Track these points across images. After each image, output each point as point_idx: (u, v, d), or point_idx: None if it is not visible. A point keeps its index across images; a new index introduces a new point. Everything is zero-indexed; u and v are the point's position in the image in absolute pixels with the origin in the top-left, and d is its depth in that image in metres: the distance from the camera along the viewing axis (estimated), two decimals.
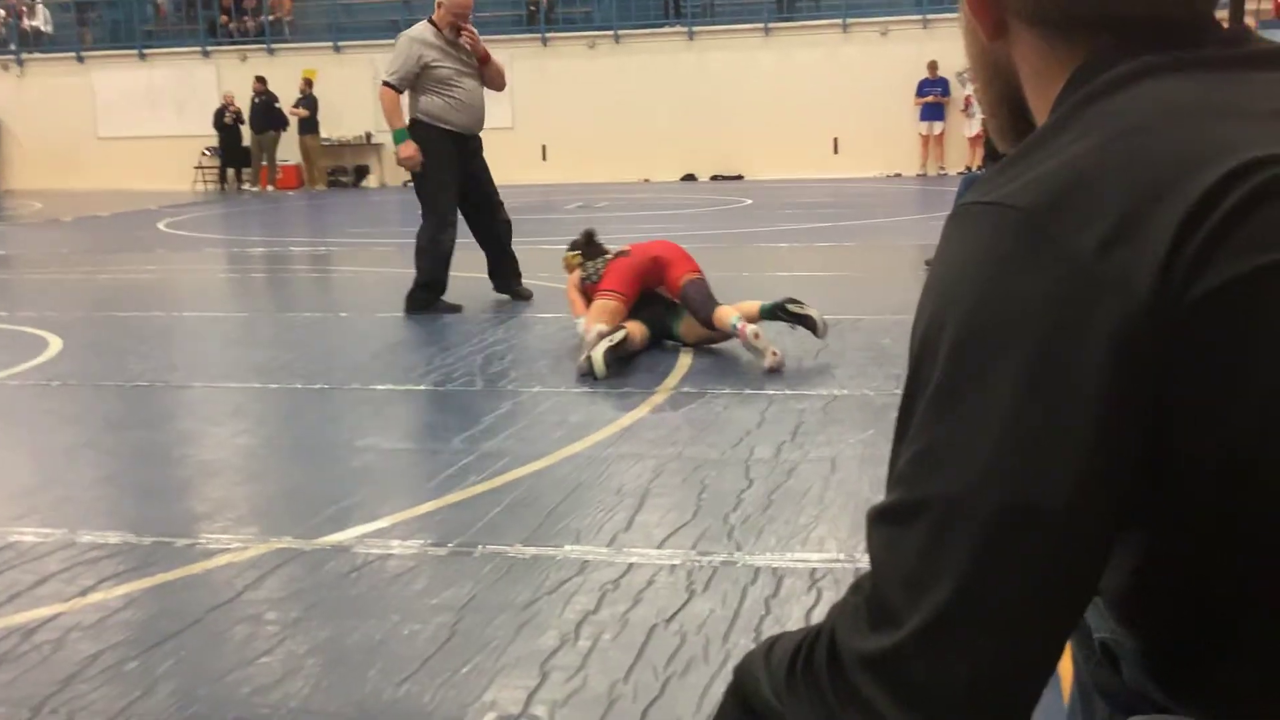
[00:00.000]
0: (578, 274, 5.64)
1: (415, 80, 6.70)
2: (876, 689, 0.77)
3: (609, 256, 5.56)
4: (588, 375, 4.87)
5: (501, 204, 7.09)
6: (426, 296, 6.77)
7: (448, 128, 6.73)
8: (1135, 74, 0.82)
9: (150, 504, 3.49)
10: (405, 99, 6.78)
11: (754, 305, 5.23)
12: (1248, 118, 0.78)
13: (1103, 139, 0.78)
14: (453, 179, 6.77)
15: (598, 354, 4.87)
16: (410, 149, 6.69)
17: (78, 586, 2.86)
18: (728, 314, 5.11)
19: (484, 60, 6.86)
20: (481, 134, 6.96)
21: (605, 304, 5.25)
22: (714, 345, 5.39)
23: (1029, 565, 0.74)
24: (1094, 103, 0.81)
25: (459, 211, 6.88)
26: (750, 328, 4.98)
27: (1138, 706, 0.89)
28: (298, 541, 3.12)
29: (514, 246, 7.21)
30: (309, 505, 3.41)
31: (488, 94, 6.98)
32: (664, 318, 5.43)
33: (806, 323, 5.10)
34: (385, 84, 6.77)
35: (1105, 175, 0.76)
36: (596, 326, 5.01)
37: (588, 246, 5.79)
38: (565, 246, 5.91)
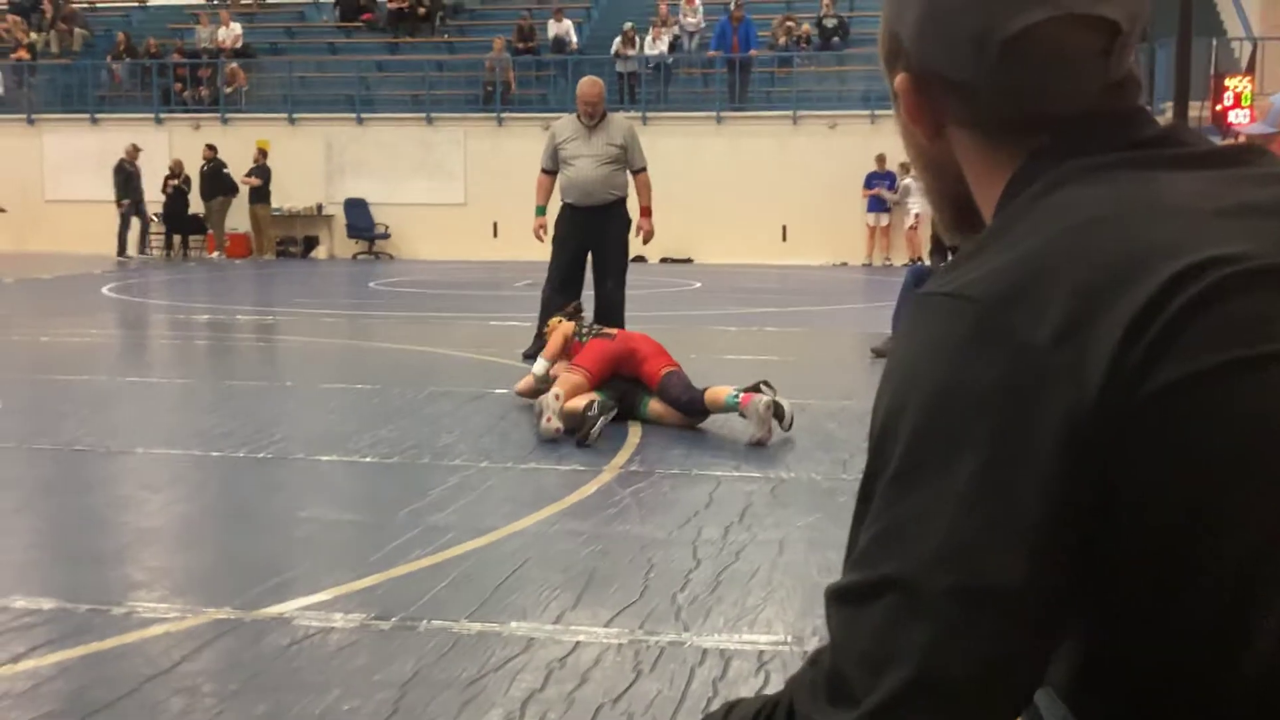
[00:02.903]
0: (572, 326, 5.94)
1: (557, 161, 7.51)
2: None
3: (596, 329, 5.88)
4: (570, 439, 5.05)
5: (611, 278, 7.46)
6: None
7: (565, 200, 7.47)
8: (1084, 171, 0.85)
9: (86, 570, 3.42)
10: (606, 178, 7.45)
11: (725, 390, 5.26)
12: (1193, 216, 0.81)
13: (1055, 233, 0.81)
14: (566, 245, 7.41)
15: (597, 428, 5.05)
16: (536, 223, 7.76)
17: (9, 653, 2.78)
18: (721, 391, 5.25)
19: (645, 213, 7.75)
20: (607, 209, 7.41)
21: (571, 378, 5.43)
22: (665, 425, 5.41)
23: (983, 647, 0.75)
24: (1044, 198, 0.84)
25: (583, 273, 7.50)
26: (757, 397, 5.07)
27: None
28: (237, 612, 3.06)
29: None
30: (249, 575, 3.35)
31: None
32: (632, 397, 5.51)
33: (775, 411, 5.11)
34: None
35: (1057, 270, 0.79)
36: (555, 389, 5.20)
37: (573, 317, 6.22)
38: (523, 321, 6.11)
